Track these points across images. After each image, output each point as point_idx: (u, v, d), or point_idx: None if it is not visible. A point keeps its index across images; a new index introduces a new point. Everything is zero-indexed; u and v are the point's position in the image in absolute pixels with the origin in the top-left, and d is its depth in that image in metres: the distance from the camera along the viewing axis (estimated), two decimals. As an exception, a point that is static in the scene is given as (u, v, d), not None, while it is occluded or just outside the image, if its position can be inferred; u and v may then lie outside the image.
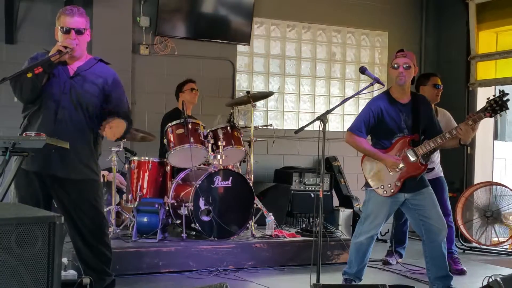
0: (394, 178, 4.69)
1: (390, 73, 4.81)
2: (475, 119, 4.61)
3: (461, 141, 4.66)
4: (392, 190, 4.70)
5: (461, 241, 7.46)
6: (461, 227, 7.35)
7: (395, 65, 4.71)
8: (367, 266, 4.97)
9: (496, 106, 4.60)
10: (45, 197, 3.85)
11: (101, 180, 4.21)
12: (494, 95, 4.77)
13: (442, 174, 6.04)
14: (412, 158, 4.67)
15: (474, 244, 7.43)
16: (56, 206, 3.93)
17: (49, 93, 3.78)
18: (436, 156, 6.04)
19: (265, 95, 7.14)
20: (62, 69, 3.85)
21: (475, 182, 7.89)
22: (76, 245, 3.97)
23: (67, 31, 3.80)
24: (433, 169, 5.67)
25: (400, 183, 4.68)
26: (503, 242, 7.44)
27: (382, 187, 4.72)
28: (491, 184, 7.54)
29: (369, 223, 4.78)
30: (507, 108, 4.59)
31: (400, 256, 6.30)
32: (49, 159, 3.76)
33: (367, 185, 4.81)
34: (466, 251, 7.28)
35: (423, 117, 4.75)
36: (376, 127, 4.72)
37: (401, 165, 4.66)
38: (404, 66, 4.68)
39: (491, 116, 4.68)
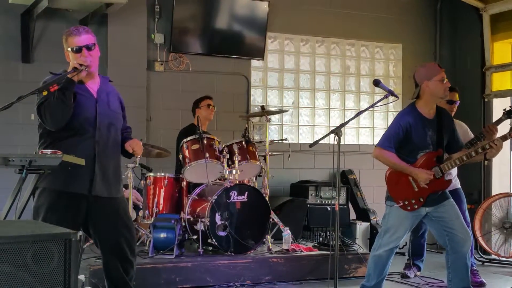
0: (419, 194, 4.62)
1: (431, 86, 4.61)
2: (505, 138, 4.60)
3: (487, 156, 4.63)
4: (416, 206, 4.64)
5: (480, 253, 7.38)
6: (480, 239, 7.26)
7: (443, 80, 4.62)
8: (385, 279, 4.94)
9: None
10: (82, 218, 3.86)
11: None
12: (511, 106, 4.74)
13: (459, 186, 6.01)
14: (437, 175, 4.62)
15: (493, 256, 7.35)
16: (91, 225, 3.92)
17: (83, 117, 3.81)
18: (454, 169, 6.01)
19: (279, 112, 7.15)
20: (84, 91, 3.88)
21: (493, 193, 7.83)
22: (108, 262, 3.96)
23: (78, 50, 3.82)
24: (450, 181, 5.65)
25: (423, 199, 4.63)
26: (523, 254, 7.36)
27: (406, 202, 4.64)
28: (509, 195, 7.46)
29: (388, 236, 4.74)
30: None
31: (419, 269, 6.25)
32: (93, 180, 3.81)
33: (389, 199, 4.73)
34: (485, 263, 7.21)
35: (447, 132, 4.70)
36: (402, 142, 4.61)
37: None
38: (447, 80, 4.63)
39: None
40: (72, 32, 3.87)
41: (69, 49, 3.86)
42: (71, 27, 3.95)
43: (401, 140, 4.60)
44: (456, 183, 5.98)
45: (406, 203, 4.64)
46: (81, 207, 3.83)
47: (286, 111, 7.29)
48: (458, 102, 6.03)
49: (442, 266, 4.82)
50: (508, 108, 5.25)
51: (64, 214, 3.73)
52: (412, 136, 4.59)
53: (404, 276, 6.18)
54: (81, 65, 3.74)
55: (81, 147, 3.76)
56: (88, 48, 3.84)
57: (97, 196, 3.85)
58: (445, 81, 4.64)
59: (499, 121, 5.70)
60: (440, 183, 4.65)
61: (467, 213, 5.97)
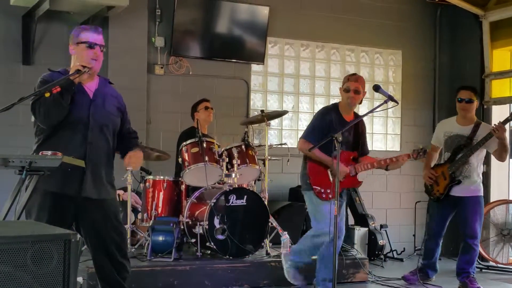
0: (332, 186, 5.07)
1: (340, 93, 5.29)
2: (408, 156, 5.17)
3: (389, 168, 5.19)
4: (330, 196, 5.11)
5: (478, 260, 7.34)
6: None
7: (347, 88, 5.20)
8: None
9: (420, 152, 5.13)
10: (71, 219, 3.87)
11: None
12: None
13: (480, 194, 5.97)
14: (351, 173, 5.16)
15: (491, 263, 7.36)
16: (81, 226, 3.92)
17: (76, 116, 3.80)
18: (474, 172, 5.95)
19: (279, 114, 7.16)
20: (81, 91, 3.87)
21: (491, 200, 7.83)
22: (100, 264, 3.96)
23: (91, 46, 3.83)
24: (460, 182, 5.90)
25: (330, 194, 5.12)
26: (521, 260, 7.37)
27: (322, 190, 5.15)
28: (507, 202, 7.49)
29: (316, 223, 5.21)
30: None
31: (427, 275, 6.17)
32: (83, 182, 3.80)
33: (308, 185, 5.22)
34: (483, 270, 7.21)
35: (361, 137, 5.29)
36: (323, 136, 4.92)
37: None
38: (354, 90, 5.14)
39: (416, 159, 5.23)
40: (89, 28, 3.91)
41: (82, 42, 3.85)
42: (84, 25, 3.98)
43: (324, 133, 4.98)
44: (476, 190, 5.94)
45: (322, 191, 5.15)
46: (69, 208, 3.81)
47: (286, 112, 7.24)
48: (473, 101, 5.99)
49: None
50: (419, 149, 5.26)
51: (53, 214, 3.72)
52: (331, 131, 4.88)
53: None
54: (84, 67, 3.75)
55: (72, 148, 3.75)
56: (101, 48, 3.89)
57: (86, 197, 3.83)
58: (348, 90, 5.14)
59: (506, 121, 5.83)
60: (352, 181, 5.22)
61: (477, 224, 5.83)
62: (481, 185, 6.01)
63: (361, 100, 5.32)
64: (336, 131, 4.81)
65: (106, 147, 3.94)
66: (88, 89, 3.92)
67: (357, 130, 5.28)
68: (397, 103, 4.83)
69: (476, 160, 5.95)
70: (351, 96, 5.19)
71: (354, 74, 5.39)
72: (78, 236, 2.60)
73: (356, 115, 5.35)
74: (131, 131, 4.20)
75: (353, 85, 5.20)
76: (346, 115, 5.27)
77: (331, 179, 5.13)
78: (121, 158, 4.13)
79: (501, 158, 6.01)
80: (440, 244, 6.16)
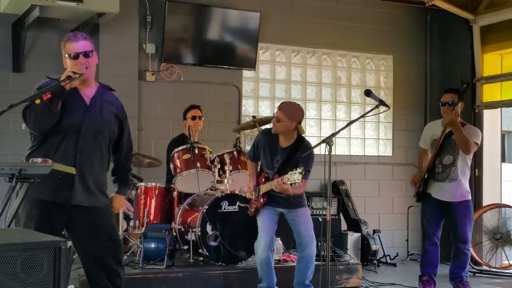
0: (251, 202, 5.44)
1: None
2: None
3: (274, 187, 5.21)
4: (249, 212, 5.49)
5: (472, 264, 7.35)
6: (471, 249, 7.28)
7: (274, 115, 5.36)
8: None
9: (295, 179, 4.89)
10: (60, 227, 3.82)
11: None
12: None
13: (468, 198, 5.90)
14: (255, 194, 5.38)
15: (484, 267, 7.36)
16: (71, 234, 3.87)
17: (69, 123, 3.75)
18: (460, 175, 5.86)
19: (270, 120, 7.14)
20: (77, 98, 3.81)
21: (484, 204, 7.84)
22: (90, 271, 3.90)
23: (75, 57, 3.76)
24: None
25: (253, 210, 5.41)
26: (513, 264, 7.37)
27: (250, 206, 5.46)
28: (499, 206, 7.50)
29: (259, 235, 5.35)
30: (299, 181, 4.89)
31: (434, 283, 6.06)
32: (73, 190, 3.75)
33: None
34: (476, 274, 7.21)
35: (293, 163, 5.15)
36: (258, 155, 5.42)
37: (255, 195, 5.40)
38: (276, 118, 5.24)
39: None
40: (70, 38, 3.81)
41: (66, 55, 3.80)
42: (69, 33, 3.93)
43: (255, 152, 5.43)
44: (463, 195, 5.85)
45: (250, 207, 5.47)
46: (58, 217, 3.76)
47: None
48: (454, 104, 5.87)
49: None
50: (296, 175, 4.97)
51: (41, 222, 3.67)
52: (262, 153, 5.36)
53: None
54: (74, 73, 3.71)
55: (62, 155, 3.70)
56: (86, 55, 3.79)
57: (77, 205, 3.78)
58: (274, 118, 5.28)
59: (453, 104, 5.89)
60: (256, 201, 5.39)
61: (467, 229, 5.78)
62: (469, 189, 5.97)
63: (291, 130, 5.26)
64: (265, 155, 5.29)
65: (99, 155, 3.87)
66: (85, 96, 3.85)
67: (292, 157, 5.20)
68: (389, 107, 4.83)
69: (462, 162, 5.89)
70: (272, 121, 5.31)
71: (283, 103, 5.47)
72: (69, 243, 2.57)
73: (301, 141, 5.30)
74: (123, 162, 4.11)
75: (276, 113, 5.29)
76: (282, 141, 5.29)
77: (253, 196, 5.43)
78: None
79: (461, 146, 5.78)
80: (439, 246, 6.04)
